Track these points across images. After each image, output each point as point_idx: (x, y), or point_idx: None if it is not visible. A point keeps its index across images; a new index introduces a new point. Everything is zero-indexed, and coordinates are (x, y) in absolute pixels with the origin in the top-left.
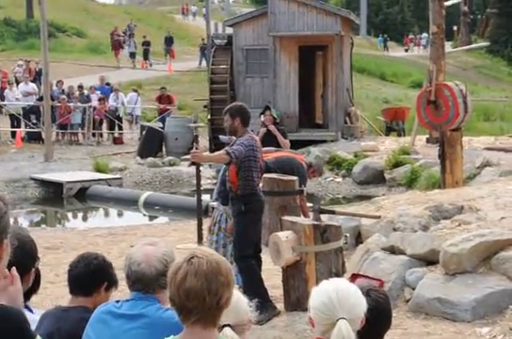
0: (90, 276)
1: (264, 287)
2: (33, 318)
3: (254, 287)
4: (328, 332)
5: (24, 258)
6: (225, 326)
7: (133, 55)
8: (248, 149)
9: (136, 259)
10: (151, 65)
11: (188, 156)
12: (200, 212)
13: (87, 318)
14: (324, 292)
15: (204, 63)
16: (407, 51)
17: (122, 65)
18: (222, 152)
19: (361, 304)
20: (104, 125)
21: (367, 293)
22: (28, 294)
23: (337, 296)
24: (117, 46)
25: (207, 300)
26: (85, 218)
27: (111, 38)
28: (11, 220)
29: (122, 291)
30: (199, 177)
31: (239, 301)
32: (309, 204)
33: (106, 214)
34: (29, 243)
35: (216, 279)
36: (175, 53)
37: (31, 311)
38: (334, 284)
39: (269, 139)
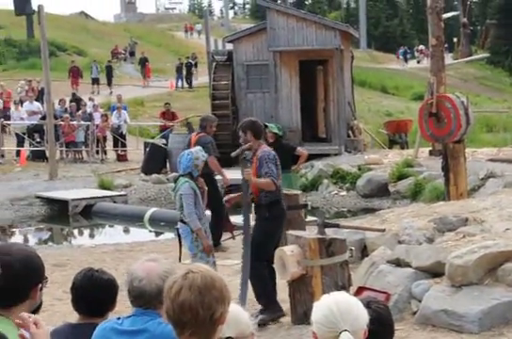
0: (108, 300)
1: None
2: None
3: (262, 289)
4: None
5: (30, 273)
6: (227, 338)
7: (96, 80)
8: (275, 162)
9: (137, 275)
10: (110, 93)
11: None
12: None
13: None
14: (325, 305)
15: (180, 84)
16: (419, 62)
17: (124, 83)
18: (269, 181)
19: (363, 316)
20: (109, 142)
21: (367, 305)
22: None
23: (338, 308)
24: (75, 74)
25: (200, 314)
26: (91, 235)
27: (112, 55)
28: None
29: (130, 307)
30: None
31: (240, 314)
32: (313, 218)
33: (112, 230)
34: (35, 259)
35: (210, 293)
36: (151, 72)
37: None
38: (334, 298)
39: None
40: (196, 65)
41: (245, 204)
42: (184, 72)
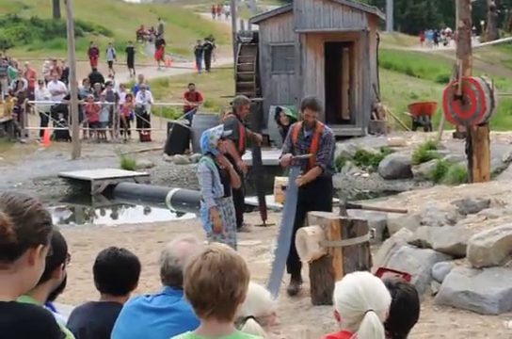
0: (131, 279)
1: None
2: (57, 317)
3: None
4: (354, 325)
5: (53, 252)
6: (248, 318)
7: (110, 63)
8: (335, 144)
9: (173, 255)
10: (134, 73)
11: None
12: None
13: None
14: (350, 285)
15: (202, 66)
16: (445, 45)
17: (148, 63)
18: (316, 170)
19: (386, 296)
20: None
21: (396, 285)
22: (54, 293)
23: (364, 288)
24: (94, 54)
25: (221, 293)
26: (113, 215)
27: (137, 36)
28: None
29: (151, 287)
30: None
31: (261, 293)
32: (335, 199)
33: (134, 210)
34: (58, 238)
35: (230, 272)
36: (162, 55)
37: (54, 310)
38: (359, 277)
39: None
40: (214, 46)
41: (288, 202)
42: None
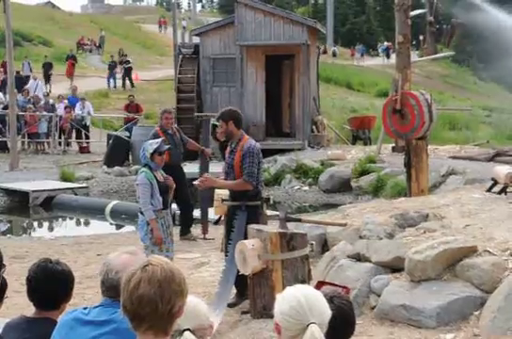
0: (62, 292)
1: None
2: None
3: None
4: (296, 338)
5: None
6: (185, 330)
7: (27, 78)
8: (259, 156)
9: (114, 267)
10: (49, 91)
11: (196, 182)
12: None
13: (51, 332)
14: (292, 297)
15: (112, 84)
16: (388, 57)
17: (90, 74)
18: (240, 181)
19: (328, 309)
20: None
21: (330, 299)
22: None
23: (306, 301)
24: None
25: (160, 308)
26: (51, 228)
27: (77, 46)
28: None
29: (89, 299)
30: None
31: (198, 305)
32: (275, 212)
33: (73, 223)
34: None
35: (170, 287)
36: (72, 70)
37: None
38: (301, 290)
39: None
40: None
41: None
42: (123, 71)
